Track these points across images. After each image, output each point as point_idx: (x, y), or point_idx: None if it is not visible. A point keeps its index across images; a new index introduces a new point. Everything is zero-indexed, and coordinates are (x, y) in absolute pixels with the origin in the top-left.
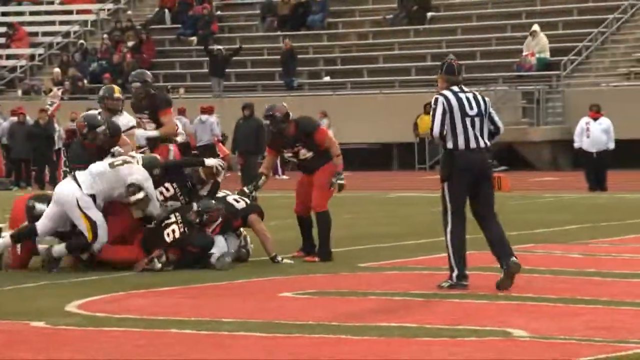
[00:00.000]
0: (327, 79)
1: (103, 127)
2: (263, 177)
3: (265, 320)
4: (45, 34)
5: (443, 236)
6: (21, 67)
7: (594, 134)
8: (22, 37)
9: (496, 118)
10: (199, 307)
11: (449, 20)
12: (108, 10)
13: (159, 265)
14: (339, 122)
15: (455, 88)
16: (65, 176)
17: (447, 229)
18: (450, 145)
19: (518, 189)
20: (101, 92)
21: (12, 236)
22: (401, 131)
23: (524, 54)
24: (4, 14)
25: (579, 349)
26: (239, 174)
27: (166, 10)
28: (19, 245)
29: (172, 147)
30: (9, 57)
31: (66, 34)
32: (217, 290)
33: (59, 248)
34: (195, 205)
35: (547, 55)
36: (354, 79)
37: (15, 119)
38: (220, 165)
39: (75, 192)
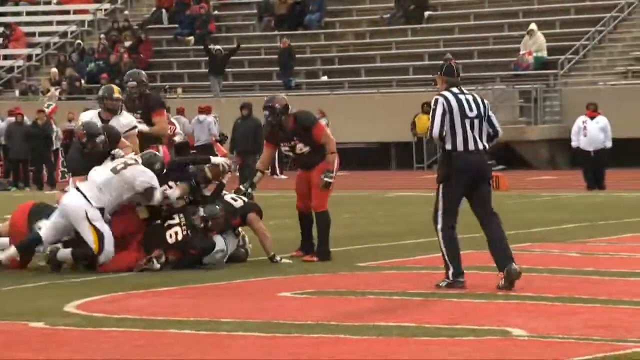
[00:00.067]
0: (324, 78)
1: (102, 137)
2: (259, 174)
3: (264, 320)
4: (42, 34)
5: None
6: (18, 67)
7: (591, 132)
8: (19, 37)
9: (495, 122)
10: (197, 307)
11: (446, 19)
12: (105, 10)
13: (158, 266)
14: (337, 122)
15: (455, 89)
16: (63, 176)
17: (438, 227)
18: (448, 146)
19: (516, 188)
20: (100, 92)
21: (17, 247)
22: (399, 130)
23: (521, 52)
24: (1, 14)
25: (577, 348)
26: (237, 173)
27: (163, 10)
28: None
29: (161, 148)
30: (6, 57)
31: (63, 34)
32: (216, 290)
33: (64, 253)
34: (201, 210)
35: (544, 54)
36: (352, 78)
37: (12, 119)
38: (227, 164)
39: (83, 204)
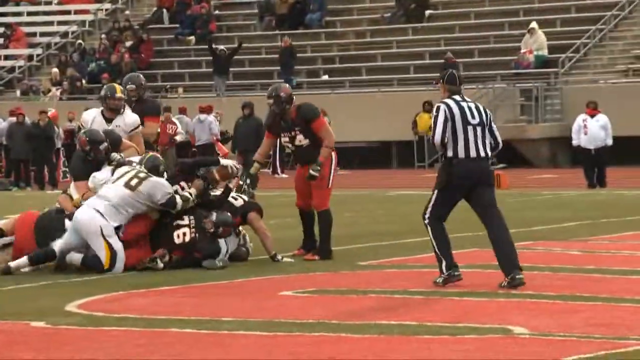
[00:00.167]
0: (325, 77)
1: (105, 144)
2: (256, 164)
3: (265, 319)
4: (43, 34)
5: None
6: (19, 67)
7: (592, 130)
8: (20, 38)
9: (497, 133)
10: (199, 306)
11: (447, 18)
12: (106, 10)
13: (161, 265)
14: (338, 121)
15: (457, 97)
16: (64, 176)
17: (426, 221)
18: (450, 153)
19: (517, 186)
20: (103, 92)
21: (30, 258)
22: (400, 129)
23: (522, 51)
24: (2, 14)
25: (579, 346)
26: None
27: (164, 10)
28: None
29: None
30: (7, 57)
31: (64, 34)
32: (217, 290)
33: (75, 257)
34: (214, 215)
35: (545, 52)
36: (353, 77)
37: (14, 119)
38: (235, 166)
39: (97, 219)
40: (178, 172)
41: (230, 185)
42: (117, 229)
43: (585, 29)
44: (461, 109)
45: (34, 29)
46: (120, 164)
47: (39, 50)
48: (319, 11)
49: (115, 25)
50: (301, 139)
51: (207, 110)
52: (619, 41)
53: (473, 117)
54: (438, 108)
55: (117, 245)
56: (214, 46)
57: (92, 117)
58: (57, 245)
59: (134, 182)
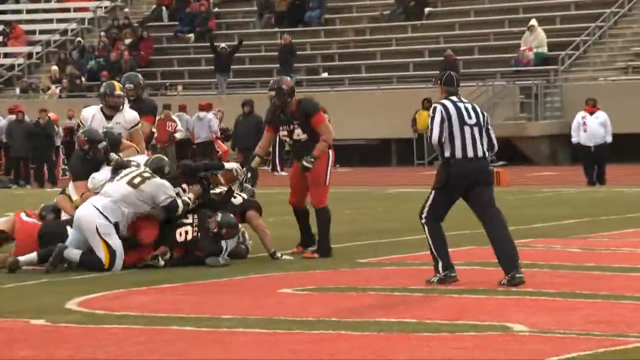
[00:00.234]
0: (324, 75)
1: (104, 143)
2: (257, 158)
3: (264, 317)
4: (42, 31)
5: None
6: (19, 65)
7: (591, 128)
8: (20, 35)
9: (493, 135)
10: (199, 304)
11: (446, 15)
12: (105, 7)
13: (162, 263)
14: (337, 118)
15: (454, 98)
16: (64, 174)
17: (423, 220)
18: (447, 153)
19: (516, 183)
20: (102, 89)
21: (39, 255)
22: (399, 127)
23: (522, 48)
24: (1, 12)
25: (578, 343)
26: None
27: (163, 8)
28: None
29: (146, 152)
30: (6, 55)
31: (63, 32)
32: (217, 287)
33: (74, 254)
34: (219, 215)
35: (544, 50)
36: (352, 75)
37: (13, 117)
38: (239, 169)
39: (95, 218)
40: (180, 174)
41: (233, 187)
42: (115, 225)
43: (584, 26)
44: (458, 109)
45: (33, 26)
46: (119, 165)
47: (38, 48)
48: (319, 9)
49: (114, 22)
50: (299, 133)
51: (206, 107)
52: (619, 38)
53: (470, 117)
54: (435, 108)
55: (116, 244)
56: (215, 44)
57: (91, 115)
58: (67, 244)
59: (137, 180)
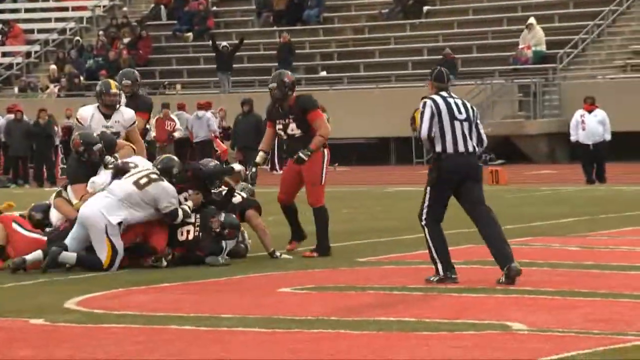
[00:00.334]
0: (323, 73)
1: (100, 145)
2: (261, 153)
3: (264, 316)
4: (40, 30)
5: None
6: (17, 64)
7: (590, 126)
8: (18, 34)
9: (482, 130)
10: (198, 303)
11: (445, 13)
12: (103, 6)
13: (165, 264)
14: (336, 117)
15: (444, 93)
16: (63, 173)
17: (423, 222)
18: (438, 148)
19: (515, 182)
20: (98, 88)
21: (44, 251)
22: (398, 125)
23: (520, 47)
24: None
25: (577, 342)
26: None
27: (162, 7)
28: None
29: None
30: (4, 54)
31: (62, 31)
32: (217, 286)
33: (69, 256)
34: (222, 215)
35: (543, 48)
36: (351, 73)
37: (11, 116)
38: (244, 171)
39: (104, 218)
40: (191, 177)
41: (237, 187)
42: (119, 224)
43: (583, 25)
44: (448, 104)
45: (31, 25)
46: (119, 169)
47: (36, 47)
48: (317, 7)
49: (113, 21)
50: (293, 128)
51: (205, 106)
52: (617, 36)
53: (460, 112)
54: (425, 103)
55: (120, 245)
56: (217, 42)
57: (90, 114)
58: (67, 240)
59: (143, 180)
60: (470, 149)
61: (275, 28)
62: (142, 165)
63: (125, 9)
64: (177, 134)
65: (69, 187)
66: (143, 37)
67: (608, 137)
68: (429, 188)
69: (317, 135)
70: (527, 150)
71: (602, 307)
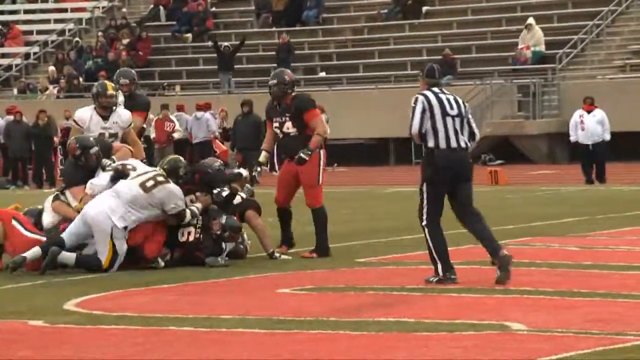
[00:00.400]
0: (322, 74)
1: (96, 149)
2: (264, 153)
3: (263, 317)
4: (40, 32)
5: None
6: (16, 65)
7: (589, 126)
8: (17, 36)
9: (473, 124)
10: (197, 304)
11: (444, 14)
12: (103, 7)
13: (162, 264)
14: (335, 118)
15: (436, 89)
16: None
17: (423, 223)
18: (431, 144)
19: (515, 182)
20: (94, 90)
21: (42, 247)
22: (397, 126)
23: (520, 47)
24: None
25: (577, 342)
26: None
27: (161, 7)
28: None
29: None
30: (3, 55)
31: (61, 32)
32: (215, 287)
33: (68, 257)
34: (224, 218)
35: (542, 48)
36: (350, 74)
37: (11, 117)
38: (247, 174)
39: (111, 221)
40: (199, 180)
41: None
42: (124, 228)
43: (582, 25)
44: (439, 100)
45: (30, 26)
46: (117, 171)
47: (36, 48)
48: (316, 8)
49: (112, 22)
50: (289, 126)
51: (204, 107)
52: (616, 36)
53: (452, 108)
54: (416, 99)
55: (122, 248)
56: (218, 43)
57: (88, 116)
58: (65, 234)
59: (149, 183)
60: (462, 144)
61: (274, 29)
62: (140, 168)
63: (124, 10)
64: (176, 135)
65: (66, 191)
66: (142, 38)
67: (607, 137)
68: (425, 187)
69: (316, 134)
70: (527, 150)
71: (601, 307)
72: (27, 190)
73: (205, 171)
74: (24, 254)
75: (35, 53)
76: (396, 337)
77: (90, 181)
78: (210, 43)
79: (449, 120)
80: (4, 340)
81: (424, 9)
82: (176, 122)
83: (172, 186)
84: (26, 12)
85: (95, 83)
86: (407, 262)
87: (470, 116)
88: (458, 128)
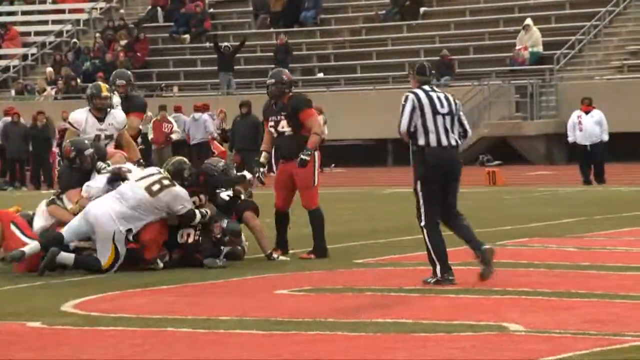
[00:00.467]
0: (320, 75)
1: (91, 150)
2: (264, 153)
3: (261, 318)
4: (37, 33)
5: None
6: (14, 66)
7: (587, 127)
8: (15, 37)
9: (465, 121)
10: (195, 306)
11: (441, 15)
12: (100, 9)
13: (161, 265)
14: (333, 119)
15: (427, 87)
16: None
17: (422, 224)
18: (422, 142)
19: (513, 183)
20: (88, 91)
21: (40, 243)
22: (395, 127)
23: (517, 48)
24: None
25: (574, 343)
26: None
27: (159, 9)
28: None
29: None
30: (1, 57)
31: (59, 33)
32: (213, 288)
33: (67, 257)
34: (225, 221)
35: (540, 49)
36: (348, 75)
37: (8, 119)
38: (250, 176)
39: (113, 224)
40: (203, 182)
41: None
42: (128, 231)
43: (580, 25)
44: (430, 98)
45: (28, 28)
46: (114, 174)
47: (33, 50)
48: (314, 9)
49: (109, 24)
50: (284, 125)
51: (202, 108)
52: (614, 37)
53: (442, 106)
54: (407, 97)
55: (123, 250)
56: (218, 43)
57: (84, 118)
58: (65, 231)
59: (155, 187)
60: (453, 142)
61: (272, 30)
62: (135, 172)
63: (122, 11)
64: (174, 136)
65: (63, 196)
66: (140, 39)
67: (605, 137)
68: (419, 186)
69: (313, 134)
70: (525, 151)
71: (599, 308)
72: (24, 192)
73: (209, 173)
74: (23, 249)
75: (33, 54)
76: (394, 338)
77: (87, 184)
78: (210, 44)
79: (439, 118)
80: (2, 341)
81: (422, 9)
82: (174, 123)
83: (178, 189)
84: (24, 13)
85: (90, 85)
86: (405, 263)
87: (462, 114)
88: (449, 126)
